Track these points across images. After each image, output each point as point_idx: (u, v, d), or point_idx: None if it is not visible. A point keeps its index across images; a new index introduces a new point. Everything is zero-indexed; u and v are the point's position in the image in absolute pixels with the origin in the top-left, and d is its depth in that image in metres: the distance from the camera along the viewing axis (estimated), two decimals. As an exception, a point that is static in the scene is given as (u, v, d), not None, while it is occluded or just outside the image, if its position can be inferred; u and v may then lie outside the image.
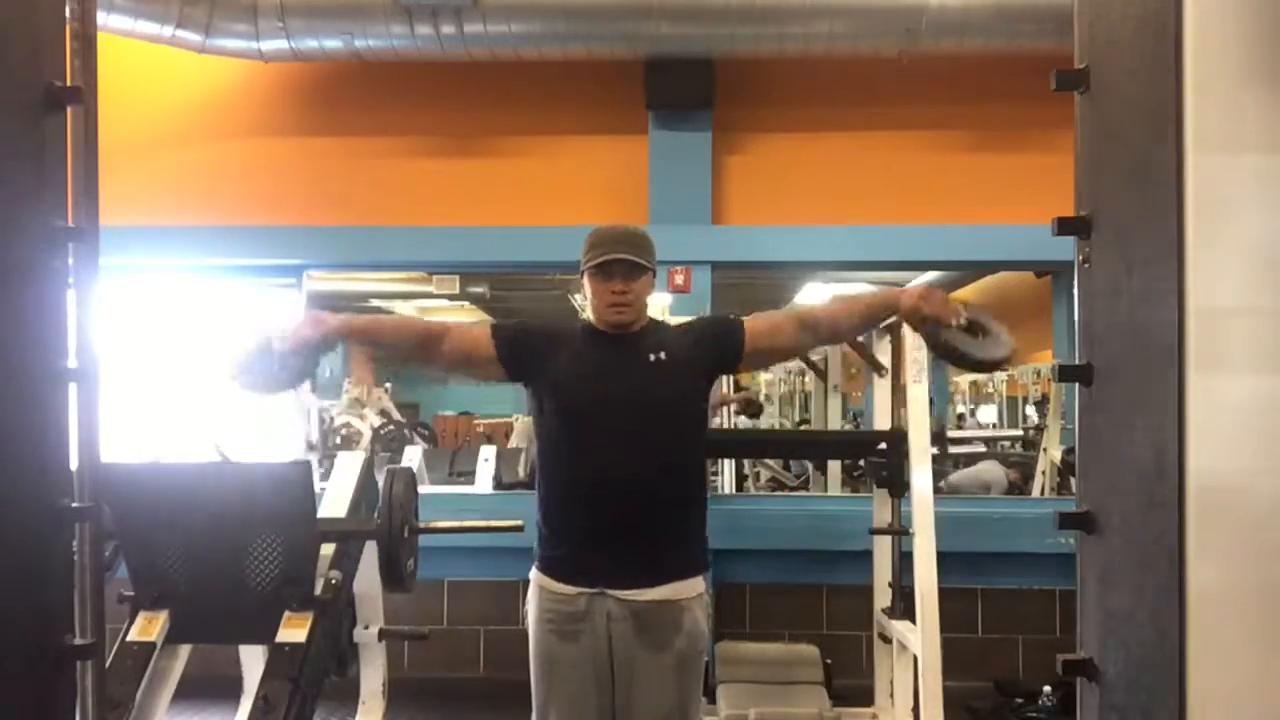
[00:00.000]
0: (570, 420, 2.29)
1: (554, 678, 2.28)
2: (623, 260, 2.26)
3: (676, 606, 2.26)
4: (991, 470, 6.16)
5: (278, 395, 2.26)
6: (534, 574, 2.35)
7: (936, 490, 3.35)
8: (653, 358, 2.28)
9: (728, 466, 5.53)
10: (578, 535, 2.28)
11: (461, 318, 11.99)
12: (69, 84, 1.27)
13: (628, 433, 2.24)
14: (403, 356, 2.45)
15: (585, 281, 2.31)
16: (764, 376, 9.96)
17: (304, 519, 2.49)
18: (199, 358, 5.27)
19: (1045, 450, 6.00)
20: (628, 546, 2.24)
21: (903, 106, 4.89)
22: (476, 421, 11.95)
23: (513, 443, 7.82)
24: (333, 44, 4.44)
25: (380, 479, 2.81)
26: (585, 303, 2.39)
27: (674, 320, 2.61)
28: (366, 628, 3.10)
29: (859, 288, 9.36)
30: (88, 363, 1.26)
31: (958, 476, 6.17)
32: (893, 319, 2.54)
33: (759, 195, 4.90)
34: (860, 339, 3.96)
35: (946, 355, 2.27)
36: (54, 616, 1.26)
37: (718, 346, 2.34)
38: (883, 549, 3.86)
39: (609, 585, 2.23)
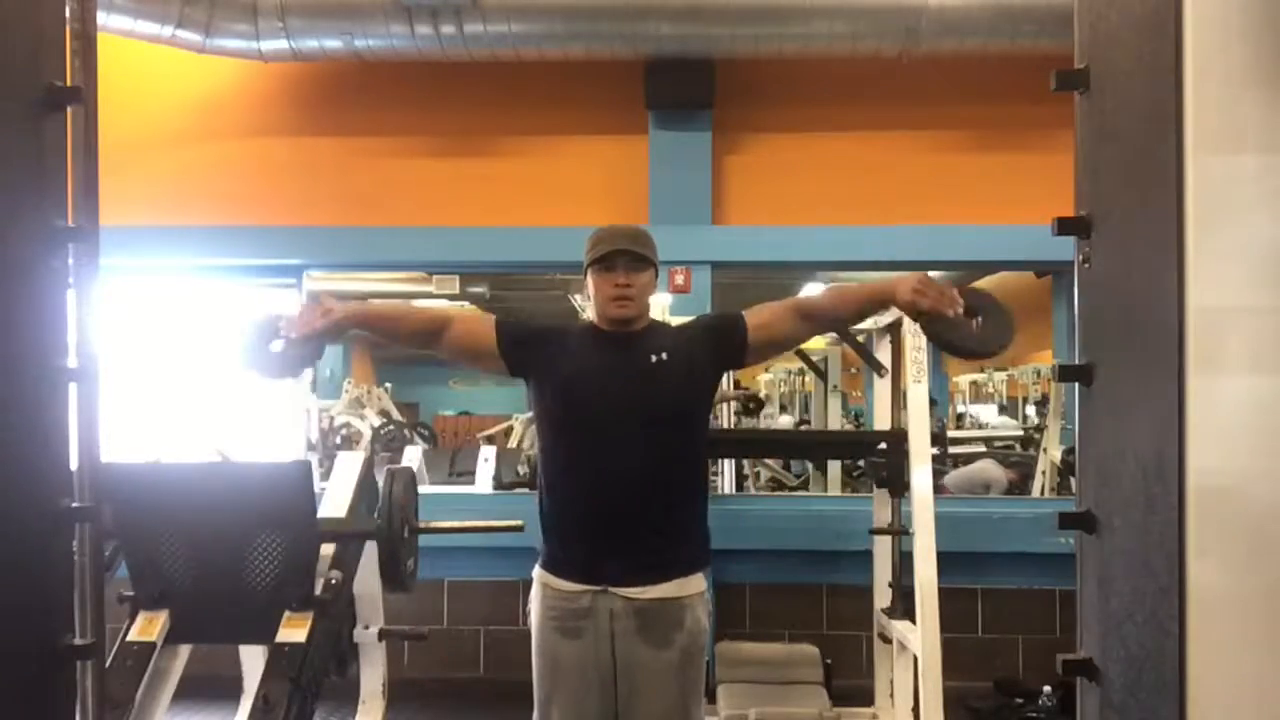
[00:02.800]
0: (571, 419, 2.30)
1: (557, 675, 2.29)
2: (626, 253, 2.27)
3: (679, 605, 2.26)
4: (989, 470, 6.14)
5: (282, 379, 2.26)
6: (537, 571, 2.35)
7: (934, 490, 3.35)
8: (654, 358, 2.29)
9: (728, 466, 5.53)
10: (580, 533, 2.29)
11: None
12: (69, 84, 1.27)
13: (628, 432, 2.25)
14: (407, 343, 2.45)
15: (589, 279, 2.32)
16: (764, 376, 9.96)
17: (304, 519, 2.50)
18: (199, 358, 5.27)
19: (1045, 450, 6.00)
20: (630, 543, 2.25)
21: (903, 106, 4.89)
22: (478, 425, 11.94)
23: (511, 442, 7.82)
24: (333, 44, 4.45)
25: (380, 479, 2.81)
26: (587, 302, 2.39)
27: (675, 320, 2.61)
28: (366, 628, 3.10)
29: (859, 288, 9.38)
30: (88, 363, 1.26)
31: (954, 476, 6.15)
32: (890, 311, 2.52)
33: (759, 195, 4.90)
34: (860, 339, 3.97)
35: (944, 346, 2.24)
36: (54, 616, 1.26)
37: (719, 341, 2.34)
38: (883, 549, 3.86)
39: (612, 583, 2.24)
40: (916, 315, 2.21)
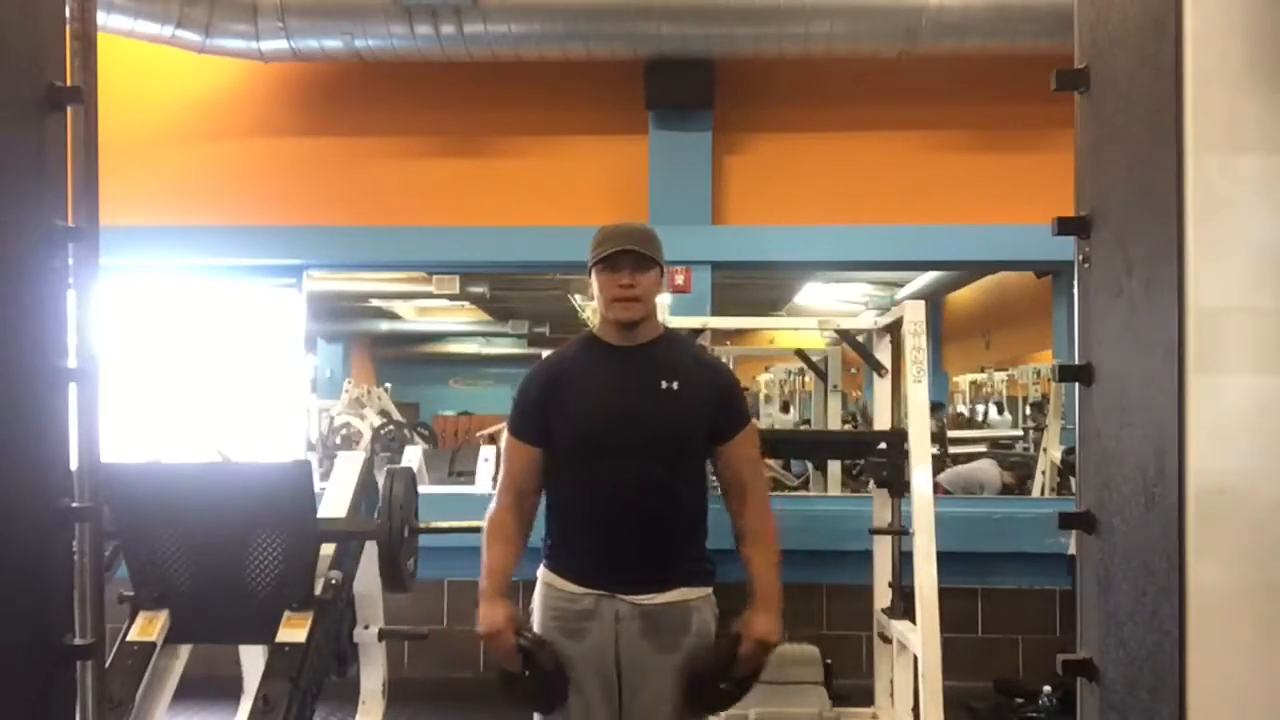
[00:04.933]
0: (577, 441, 2.27)
1: None
2: (629, 253, 2.24)
3: (685, 608, 2.26)
4: (985, 470, 6.12)
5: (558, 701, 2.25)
6: (541, 572, 2.34)
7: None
8: (664, 385, 2.25)
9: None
10: (586, 549, 2.28)
11: (462, 318, 12.00)
12: (69, 84, 1.27)
13: (636, 458, 2.22)
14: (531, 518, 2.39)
15: (593, 278, 2.28)
16: (764, 376, 9.95)
17: (304, 519, 2.50)
18: (199, 358, 5.27)
19: (1045, 450, 6.00)
20: (635, 562, 2.25)
21: (903, 106, 4.89)
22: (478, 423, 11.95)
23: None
24: (333, 44, 4.44)
25: (380, 479, 2.82)
26: (590, 303, 2.38)
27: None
28: (366, 628, 3.10)
29: (859, 288, 9.40)
30: (88, 363, 1.26)
31: (949, 474, 6.13)
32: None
33: (759, 195, 4.90)
34: (860, 339, 3.97)
35: (703, 693, 2.27)
36: (54, 616, 1.26)
37: (719, 420, 2.30)
38: (883, 549, 3.86)
39: (620, 590, 2.24)
40: (744, 646, 2.23)
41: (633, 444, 2.23)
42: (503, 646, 2.20)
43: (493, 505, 2.34)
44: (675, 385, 2.25)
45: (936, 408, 7.12)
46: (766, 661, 2.29)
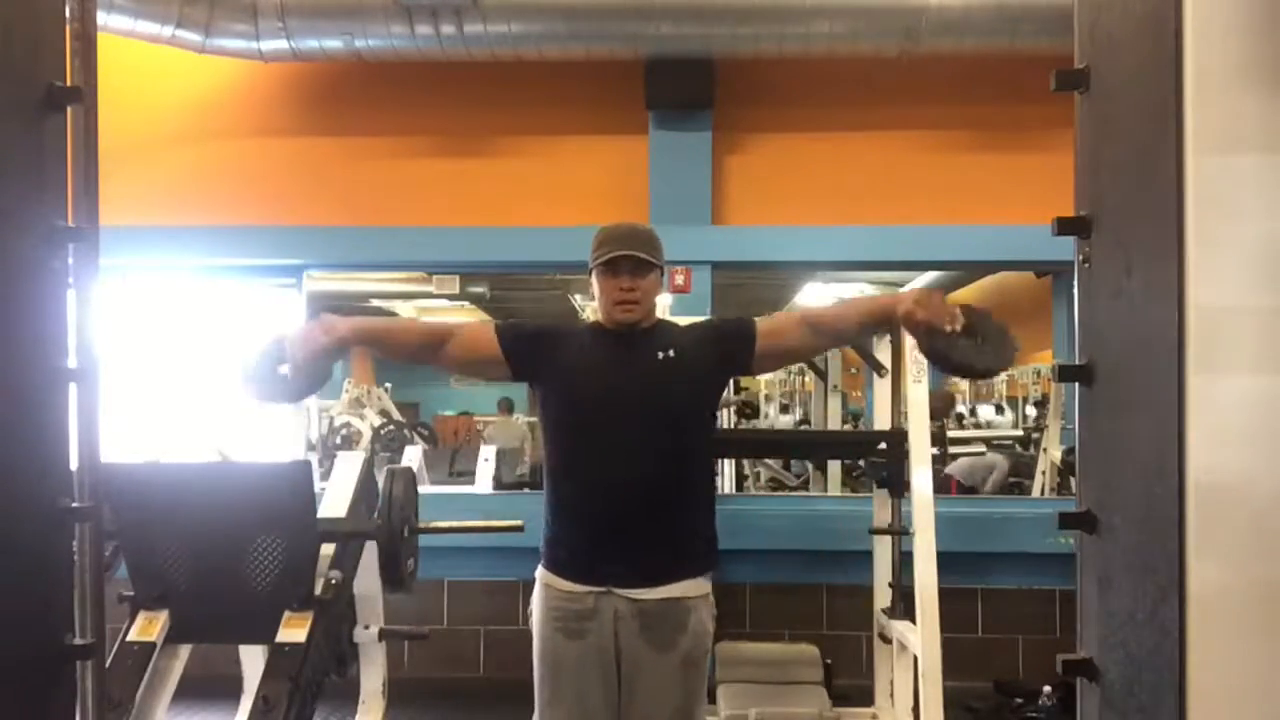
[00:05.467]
0: (577, 417, 2.29)
1: (559, 676, 2.28)
2: (630, 257, 2.25)
3: (683, 606, 2.26)
4: (993, 456, 6.19)
5: (290, 403, 2.23)
6: (540, 572, 2.34)
7: (938, 480, 3.35)
8: (661, 355, 2.28)
9: (728, 466, 5.53)
10: (584, 534, 2.28)
11: (462, 317, 12.01)
12: (69, 84, 1.27)
13: (635, 430, 2.23)
14: (410, 358, 2.44)
15: (593, 280, 2.30)
16: (764, 376, 9.96)
17: (304, 519, 2.49)
18: (199, 358, 5.27)
19: (1045, 450, 6.00)
20: (635, 545, 2.24)
21: (903, 106, 4.89)
22: (477, 420, 11.96)
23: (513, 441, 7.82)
24: (333, 44, 4.44)
25: (380, 479, 2.81)
26: (590, 302, 2.39)
27: (682, 320, 2.60)
28: (366, 628, 3.10)
29: (859, 288, 9.39)
30: (88, 363, 1.26)
31: (958, 465, 6.18)
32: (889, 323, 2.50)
33: (759, 195, 4.90)
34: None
35: (940, 362, 2.21)
36: (54, 616, 1.26)
37: (729, 345, 2.32)
38: (883, 549, 3.86)
39: (617, 584, 2.23)
40: (914, 329, 2.19)
41: (631, 415, 2.24)
42: (323, 338, 2.19)
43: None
44: (672, 353, 2.28)
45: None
46: (944, 303, 2.15)
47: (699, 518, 2.33)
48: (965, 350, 2.13)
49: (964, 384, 10.48)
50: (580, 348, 2.33)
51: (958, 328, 2.11)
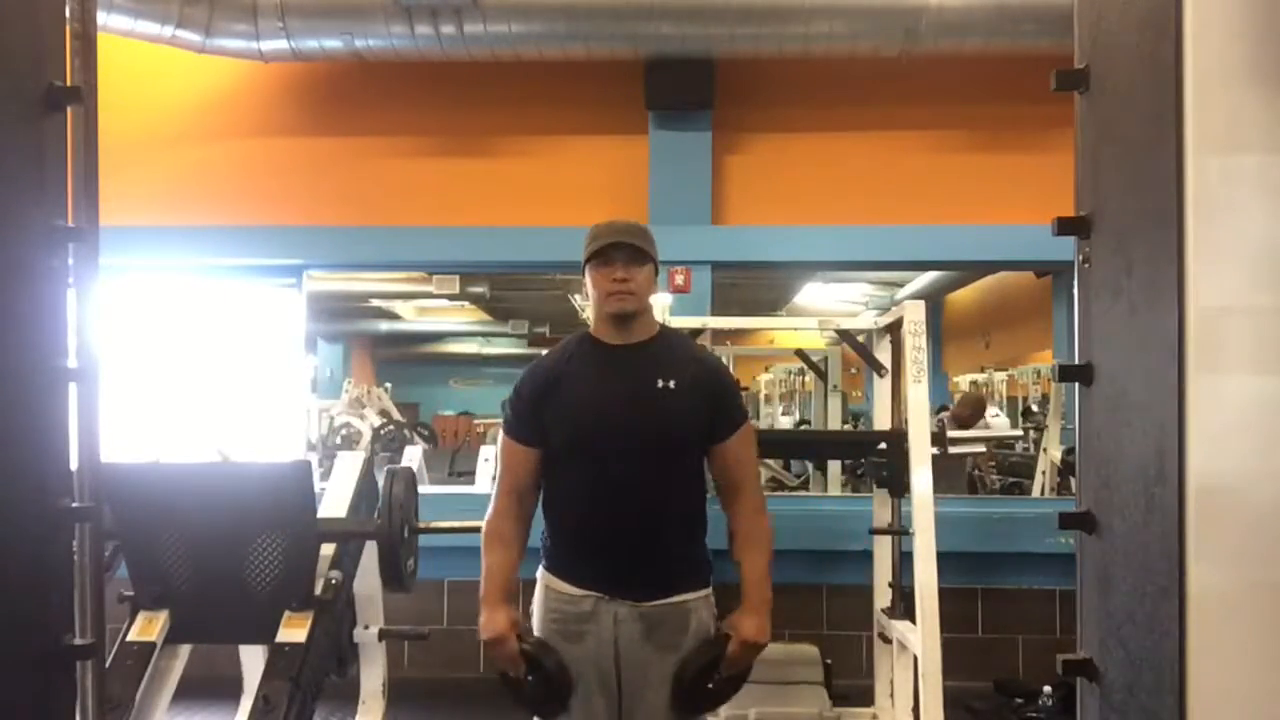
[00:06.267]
0: (574, 444, 2.26)
1: None
2: (623, 246, 2.23)
3: (684, 608, 2.25)
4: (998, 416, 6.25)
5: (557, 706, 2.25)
6: (541, 573, 2.34)
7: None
8: (661, 384, 2.23)
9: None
10: (584, 552, 2.28)
11: (462, 318, 12.01)
12: (69, 84, 1.27)
13: (631, 456, 2.21)
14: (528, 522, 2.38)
15: (587, 276, 2.27)
16: (764, 376, 9.96)
17: (304, 519, 2.50)
18: (199, 358, 5.27)
19: (1045, 450, 6.00)
20: (634, 565, 2.24)
21: (903, 106, 4.89)
22: (477, 422, 11.96)
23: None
24: (333, 44, 4.44)
25: (380, 479, 2.81)
26: (587, 302, 2.37)
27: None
28: (366, 628, 3.10)
29: (859, 288, 9.40)
30: (88, 363, 1.26)
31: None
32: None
33: (759, 195, 4.90)
34: (860, 339, 3.97)
35: (703, 667, 2.26)
36: (54, 616, 1.26)
37: (715, 418, 2.28)
38: (883, 549, 3.86)
39: (617, 595, 2.23)
40: (732, 646, 2.23)
41: (630, 445, 2.22)
42: (506, 652, 2.20)
43: (490, 509, 2.34)
44: (672, 384, 2.24)
45: (941, 410, 7.16)
46: (753, 662, 2.29)
47: (695, 535, 2.33)
48: (715, 691, 2.29)
49: (964, 384, 10.48)
50: (576, 372, 2.28)
51: (729, 679, 2.27)
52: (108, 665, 2.30)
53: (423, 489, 3.18)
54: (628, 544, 2.23)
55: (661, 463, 2.24)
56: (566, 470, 2.28)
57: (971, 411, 6.78)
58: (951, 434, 5.88)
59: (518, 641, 2.20)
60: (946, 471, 6.14)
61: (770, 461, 6.45)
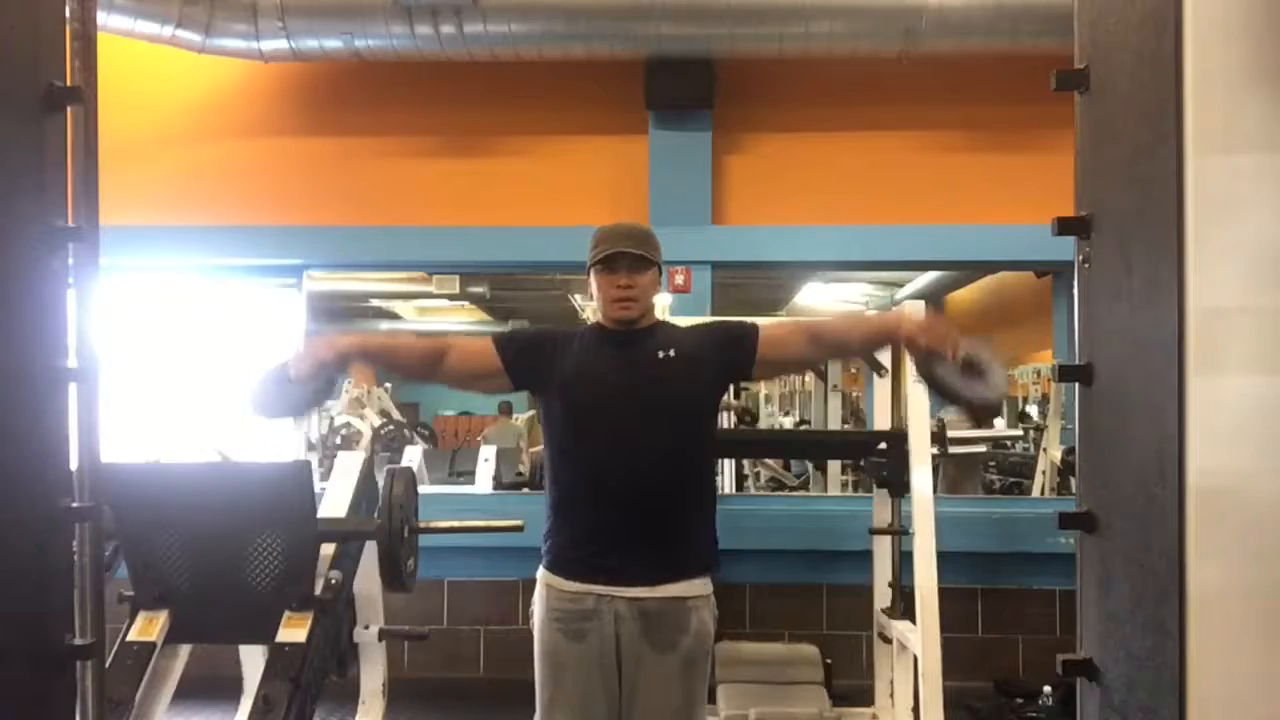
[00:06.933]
0: (578, 417, 2.29)
1: (561, 677, 2.28)
2: (627, 254, 2.27)
3: (684, 607, 2.26)
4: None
5: (294, 416, 2.26)
6: (541, 572, 2.34)
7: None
8: (661, 355, 2.29)
9: (728, 466, 5.52)
10: (586, 532, 2.28)
11: (462, 318, 12.01)
12: (69, 84, 1.27)
13: (636, 429, 2.24)
14: (411, 374, 2.45)
15: (591, 279, 2.32)
16: (764, 376, 9.94)
17: (304, 519, 2.49)
18: (199, 358, 5.27)
19: (1045, 450, 6.00)
20: (636, 543, 2.24)
21: (903, 106, 4.89)
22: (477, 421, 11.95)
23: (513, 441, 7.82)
24: (333, 44, 4.44)
25: (380, 479, 2.81)
26: (589, 303, 2.39)
27: (682, 320, 2.61)
28: (366, 628, 3.10)
29: (859, 288, 9.40)
30: (88, 363, 1.26)
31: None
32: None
33: (759, 195, 4.90)
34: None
35: (937, 389, 2.21)
36: (54, 616, 1.26)
37: (731, 350, 2.32)
38: (883, 549, 3.86)
39: (618, 584, 2.23)
40: (915, 352, 2.17)
41: (630, 416, 2.24)
42: (326, 353, 2.20)
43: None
44: (672, 353, 2.30)
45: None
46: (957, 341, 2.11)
47: (699, 517, 2.34)
48: (960, 383, 2.12)
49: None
50: (580, 349, 2.33)
51: (958, 358, 2.11)
52: (108, 665, 2.30)
53: (423, 489, 3.18)
54: (628, 517, 2.23)
55: (663, 434, 2.25)
56: (567, 444, 2.30)
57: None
58: (951, 434, 5.86)
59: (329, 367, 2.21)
60: (962, 473, 6.13)
61: (770, 461, 6.45)
